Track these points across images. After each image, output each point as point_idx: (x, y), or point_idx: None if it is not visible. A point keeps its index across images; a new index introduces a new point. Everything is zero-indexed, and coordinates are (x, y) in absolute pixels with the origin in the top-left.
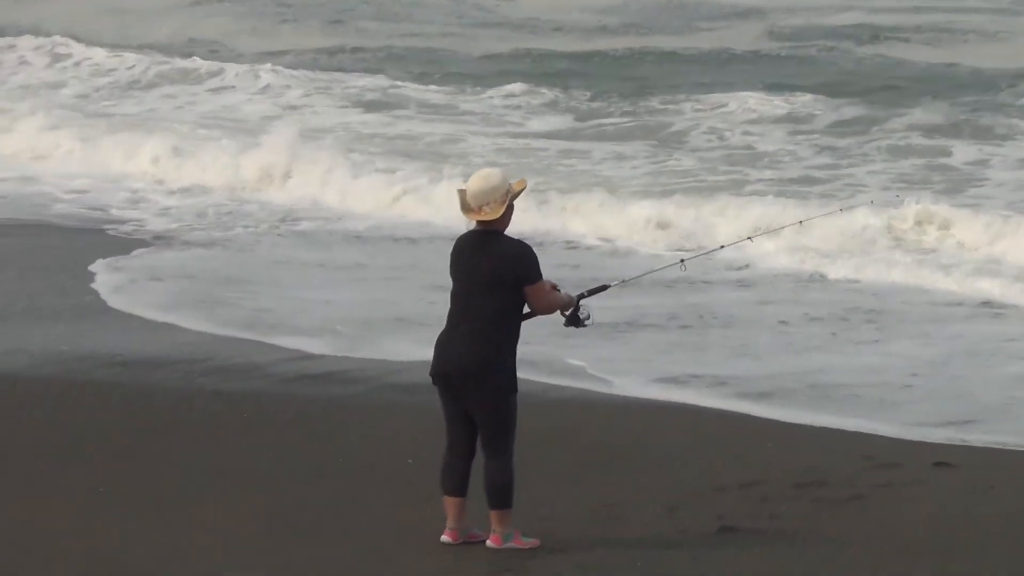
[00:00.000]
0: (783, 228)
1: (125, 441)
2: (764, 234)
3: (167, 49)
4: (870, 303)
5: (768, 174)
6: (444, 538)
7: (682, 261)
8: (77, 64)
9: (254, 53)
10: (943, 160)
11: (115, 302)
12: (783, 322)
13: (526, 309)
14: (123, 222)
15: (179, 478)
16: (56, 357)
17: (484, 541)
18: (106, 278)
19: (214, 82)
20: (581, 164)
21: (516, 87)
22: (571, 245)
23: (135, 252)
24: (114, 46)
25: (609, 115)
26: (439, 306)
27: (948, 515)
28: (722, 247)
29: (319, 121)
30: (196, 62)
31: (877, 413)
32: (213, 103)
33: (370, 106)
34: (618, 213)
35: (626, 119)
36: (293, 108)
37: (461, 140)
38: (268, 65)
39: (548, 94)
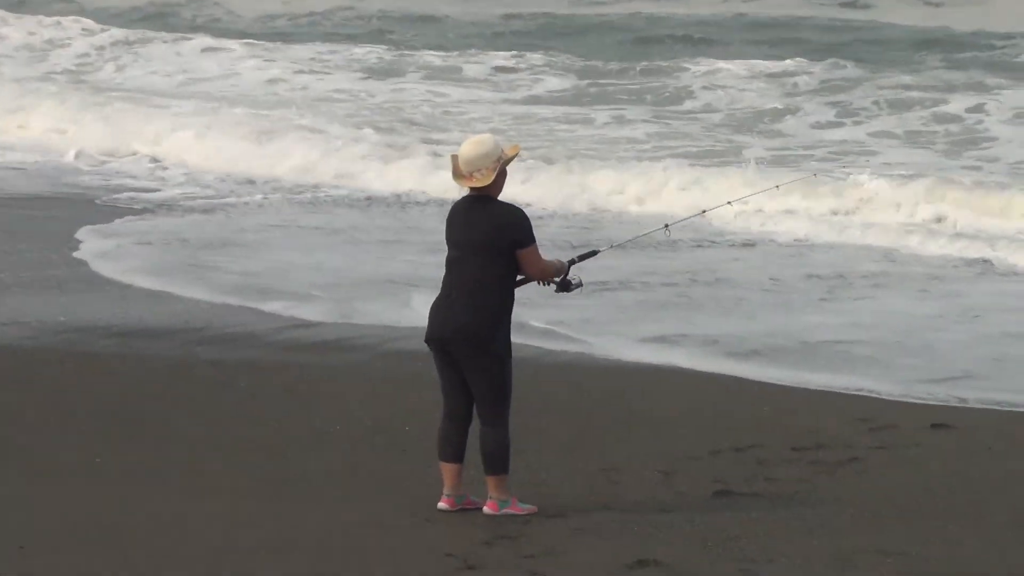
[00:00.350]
0: (760, 192)
1: (125, 412)
2: (742, 199)
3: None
4: (862, 265)
5: (777, 141)
6: (441, 505)
7: (666, 226)
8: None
9: (252, 18)
10: (944, 110)
11: (104, 269)
12: (774, 279)
13: (520, 276)
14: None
15: (179, 448)
16: (53, 328)
17: (481, 508)
18: (93, 245)
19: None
20: (583, 130)
21: (508, 53)
22: (563, 212)
23: (123, 219)
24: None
25: (607, 78)
26: (430, 268)
27: (946, 477)
28: (704, 212)
29: (322, 87)
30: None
31: (872, 372)
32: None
33: (372, 72)
34: (611, 181)
35: (626, 82)
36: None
37: (464, 106)
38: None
39: (543, 58)
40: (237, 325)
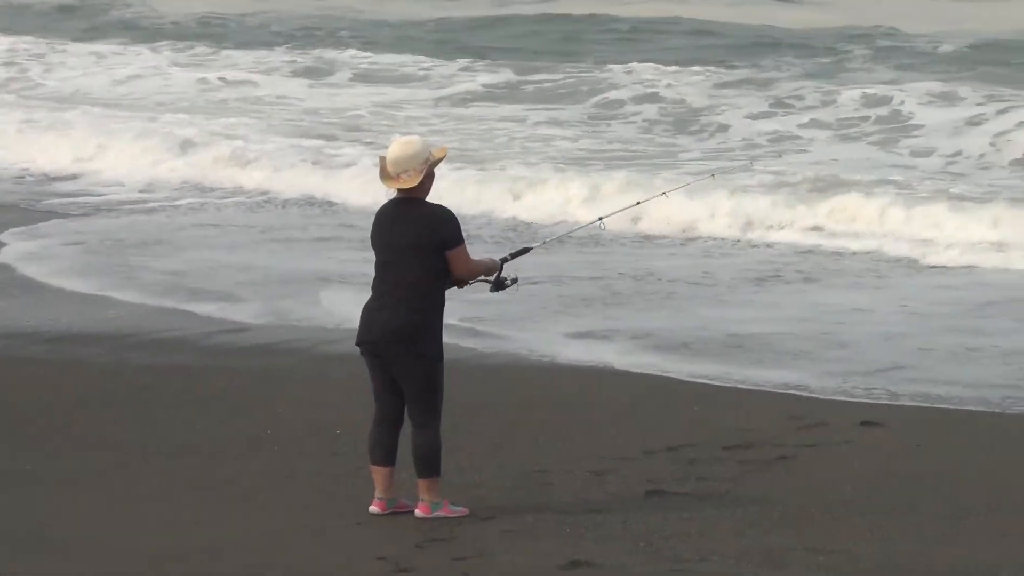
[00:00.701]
0: (695, 182)
1: (56, 419)
2: (676, 189)
3: None
4: (793, 262)
5: (712, 142)
6: (373, 508)
7: (600, 219)
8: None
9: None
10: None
11: (30, 272)
12: (707, 273)
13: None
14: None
15: (110, 454)
16: None
17: (413, 511)
18: (18, 248)
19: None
20: (517, 130)
21: (423, 56)
22: (487, 214)
23: (48, 222)
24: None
25: (539, 74)
26: (358, 266)
27: (875, 474)
28: (638, 203)
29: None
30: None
31: (802, 368)
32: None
33: (304, 74)
34: (546, 182)
35: (560, 76)
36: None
37: (399, 107)
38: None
39: (458, 62)
40: (167, 330)
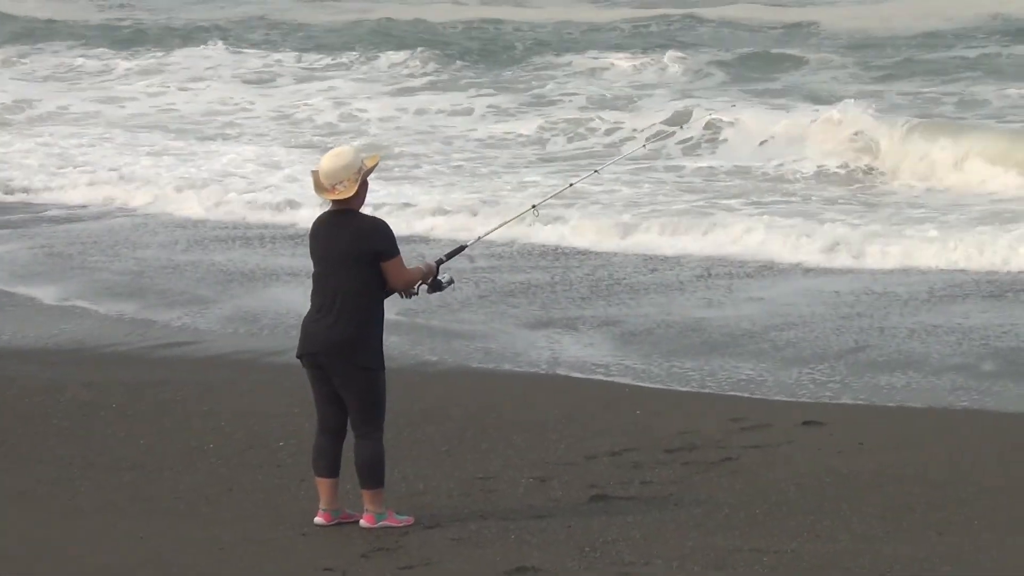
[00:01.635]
0: (603, 167)
1: None
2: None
3: None
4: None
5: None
6: (318, 520)
7: (534, 207)
8: None
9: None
10: None
11: None
12: (653, 269)
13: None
14: None
15: (51, 469)
16: None
17: (358, 521)
18: None
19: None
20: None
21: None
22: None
23: None
24: None
25: (471, 84)
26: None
27: (817, 473)
28: (571, 184)
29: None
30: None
31: (746, 369)
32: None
33: (254, 80)
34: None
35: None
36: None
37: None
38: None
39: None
40: (108, 343)
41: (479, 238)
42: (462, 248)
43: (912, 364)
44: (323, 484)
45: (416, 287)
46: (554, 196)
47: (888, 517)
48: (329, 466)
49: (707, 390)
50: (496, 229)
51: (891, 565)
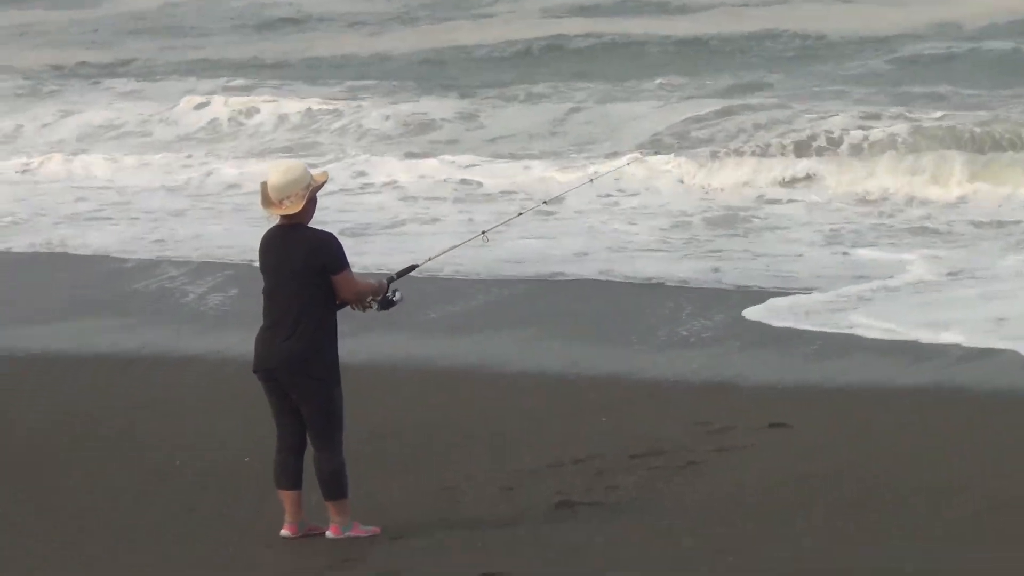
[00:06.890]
0: (578, 187)
1: None
2: (557, 198)
3: None
4: None
5: None
6: (284, 532)
7: (483, 233)
8: None
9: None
10: None
11: None
12: (604, 272)
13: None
14: None
15: (9, 499)
16: None
17: (324, 533)
18: None
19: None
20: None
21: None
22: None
23: None
24: None
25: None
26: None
27: (783, 475)
28: (520, 214)
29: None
30: None
31: (710, 371)
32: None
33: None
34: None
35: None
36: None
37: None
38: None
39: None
40: (63, 367)
41: (430, 258)
42: (414, 267)
43: (881, 358)
44: (287, 497)
45: (368, 300)
46: (503, 224)
47: (851, 516)
48: (291, 479)
49: (672, 393)
50: (445, 252)
51: (855, 564)
